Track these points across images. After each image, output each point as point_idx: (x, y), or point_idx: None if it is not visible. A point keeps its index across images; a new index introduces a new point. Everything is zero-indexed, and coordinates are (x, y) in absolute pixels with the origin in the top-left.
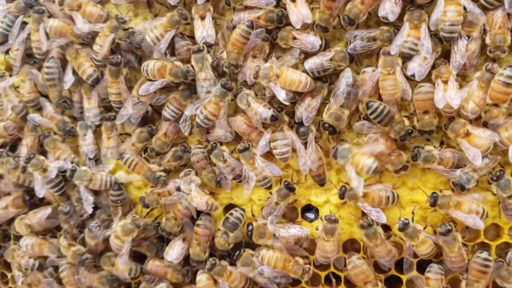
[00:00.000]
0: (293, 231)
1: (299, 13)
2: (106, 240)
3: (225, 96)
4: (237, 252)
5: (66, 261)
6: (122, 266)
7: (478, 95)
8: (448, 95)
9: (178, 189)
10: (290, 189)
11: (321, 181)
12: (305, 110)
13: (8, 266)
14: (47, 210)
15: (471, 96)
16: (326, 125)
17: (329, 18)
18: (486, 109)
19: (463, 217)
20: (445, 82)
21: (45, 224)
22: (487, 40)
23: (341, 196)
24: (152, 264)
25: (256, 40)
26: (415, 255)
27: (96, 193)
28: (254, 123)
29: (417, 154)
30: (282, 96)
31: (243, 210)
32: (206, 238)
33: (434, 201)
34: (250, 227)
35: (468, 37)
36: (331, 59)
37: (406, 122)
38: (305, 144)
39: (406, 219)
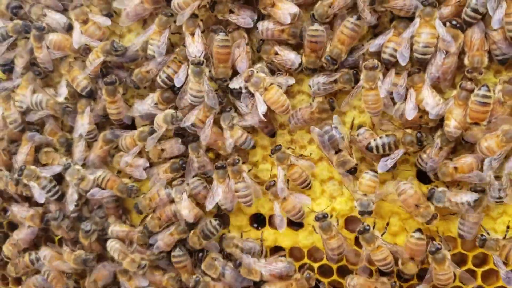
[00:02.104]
0: (280, 266)
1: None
2: (100, 240)
3: (212, 109)
4: (201, 254)
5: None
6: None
7: (457, 113)
8: (425, 102)
9: (169, 196)
10: None
11: (269, 132)
12: (294, 118)
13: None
14: (26, 224)
15: (452, 114)
16: (342, 173)
17: (315, 60)
18: (466, 127)
19: None
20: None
21: (27, 239)
22: (465, 61)
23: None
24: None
25: (240, 51)
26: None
27: None
28: (226, 146)
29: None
30: (262, 109)
31: (219, 223)
32: (187, 268)
33: None
34: (238, 263)
35: (446, 52)
36: (335, 81)
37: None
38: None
39: (368, 225)
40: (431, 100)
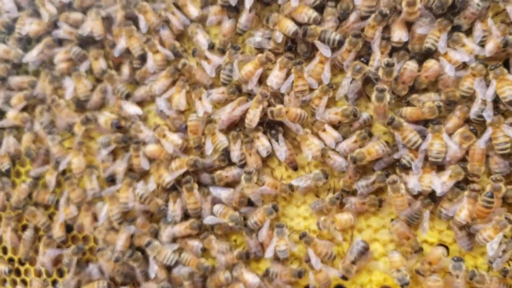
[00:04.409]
0: None
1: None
2: None
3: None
4: None
5: None
6: None
7: (468, 208)
8: (433, 184)
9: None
10: None
11: (294, 167)
12: (350, 203)
13: None
14: None
15: (464, 207)
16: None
17: (351, 184)
18: (473, 218)
19: None
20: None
21: None
22: (468, 167)
23: None
24: None
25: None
26: None
27: None
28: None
29: None
30: (339, 238)
31: None
32: None
33: None
34: None
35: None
36: (374, 182)
37: None
38: (277, 141)
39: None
40: (438, 182)
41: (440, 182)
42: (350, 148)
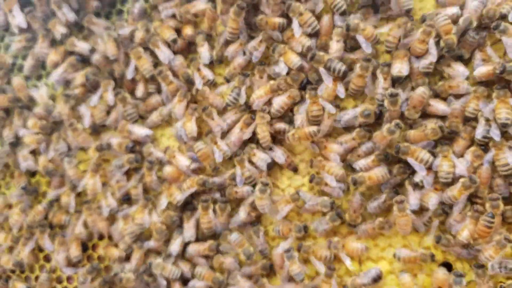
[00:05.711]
0: None
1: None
2: None
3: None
4: None
5: None
6: None
7: (470, 228)
8: (430, 202)
9: None
10: None
11: (293, 168)
12: (359, 229)
13: None
14: None
15: (466, 227)
16: None
17: (356, 218)
18: (474, 238)
19: None
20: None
21: None
22: None
23: None
24: None
25: None
26: None
27: None
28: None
29: None
30: (347, 263)
31: None
32: None
33: None
34: None
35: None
36: (384, 201)
37: None
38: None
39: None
40: (435, 201)
41: (436, 201)
42: (369, 165)
